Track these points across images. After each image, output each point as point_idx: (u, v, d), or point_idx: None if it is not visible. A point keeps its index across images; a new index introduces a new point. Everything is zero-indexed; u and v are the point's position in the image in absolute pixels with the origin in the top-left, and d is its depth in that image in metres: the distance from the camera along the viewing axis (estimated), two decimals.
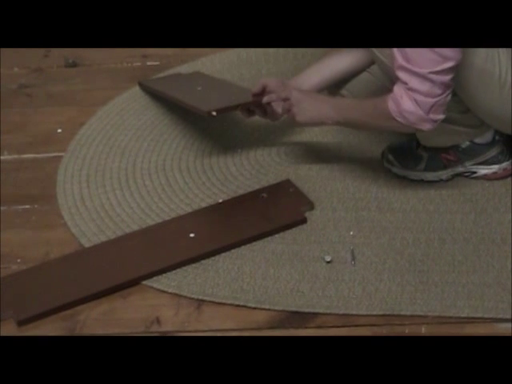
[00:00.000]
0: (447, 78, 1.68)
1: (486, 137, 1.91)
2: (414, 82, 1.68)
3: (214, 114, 1.93)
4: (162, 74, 2.37)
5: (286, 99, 1.90)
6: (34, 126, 2.24)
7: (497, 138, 1.92)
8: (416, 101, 1.69)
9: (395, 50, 1.68)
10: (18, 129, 2.23)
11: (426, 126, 1.73)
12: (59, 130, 2.21)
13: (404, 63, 1.67)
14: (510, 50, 1.75)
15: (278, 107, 1.95)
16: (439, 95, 1.69)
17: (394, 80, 1.73)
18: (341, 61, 1.98)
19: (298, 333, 1.65)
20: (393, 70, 1.73)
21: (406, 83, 1.69)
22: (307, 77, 1.98)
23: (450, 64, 1.66)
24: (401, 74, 1.69)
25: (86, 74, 2.42)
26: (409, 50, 1.66)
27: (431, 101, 1.69)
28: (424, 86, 1.67)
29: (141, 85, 2.31)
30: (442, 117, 1.73)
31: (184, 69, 2.38)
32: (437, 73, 1.66)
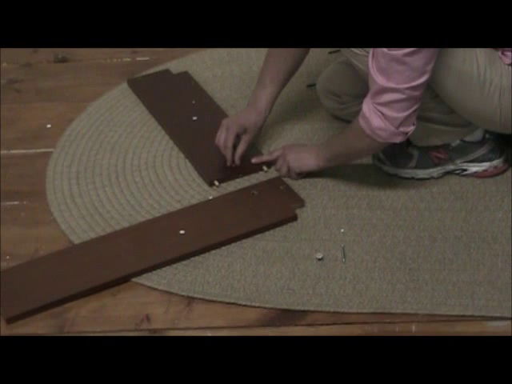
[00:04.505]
0: (419, 92, 1.70)
1: (476, 135, 1.91)
2: (387, 97, 1.69)
3: (217, 184, 1.96)
4: (151, 70, 2.36)
5: (277, 158, 1.97)
6: (24, 121, 2.23)
7: (487, 136, 1.92)
8: (385, 116, 1.71)
9: (371, 62, 1.69)
10: (7, 124, 2.21)
11: (398, 139, 1.75)
12: (48, 126, 2.20)
13: (381, 77, 1.68)
14: (487, 49, 1.76)
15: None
16: (409, 109, 1.71)
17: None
18: (286, 61, 1.96)
19: (289, 331, 1.65)
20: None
21: (378, 97, 1.70)
22: (263, 91, 1.98)
23: (424, 78, 1.68)
24: (375, 87, 1.70)
25: (75, 70, 2.41)
26: (384, 65, 1.66)
27: (401, 115, 1.71)
28: (396, 102, 1.69)
29: (130, 83, 2.30)
30: (412, 128, 1.75)
31: (174, 65, 2.37)
32: (412, 88, 1.68)
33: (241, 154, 1.98)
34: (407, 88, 1.67)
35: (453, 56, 1.73)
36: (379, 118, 1.71)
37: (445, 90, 1.77)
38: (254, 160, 1.99)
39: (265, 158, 2.00)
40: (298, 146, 2.00)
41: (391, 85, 1.67)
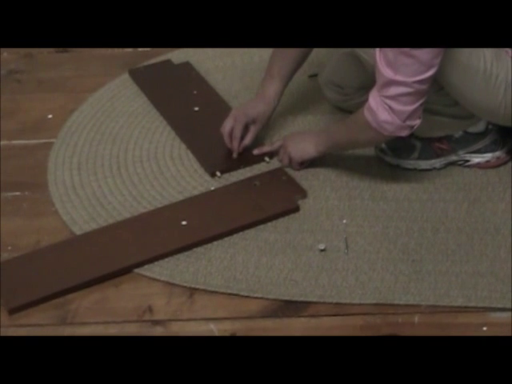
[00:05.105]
0: (427, 86, 1.69)
1: (479, 126, 1.91)
2: (394, 91, 1.68)
3: (219, 174, 1.95)
4: (153, 61, 2.35)
5: (278, 149, 1.97)
6: (25, 112, 2.22)
7: (490, 127, 1.92)
8: (392, 110, 1.70)
9: (378, 55, 1.68)
10: (8, 115, 2.21)
11: (405, 133, 1.75)
12: (50, 117, 2.19)
13: (388, 70, 1.67)
14: None
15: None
16: (415, 103, 1.70)
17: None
18: (294, 52, 1.96)
19: (291, 322, 1.65)
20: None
21: (385, 90, 1.69)
22: (272, 81, 1.97)
23: (432, 72, 1.67)
24: (382, 80, 1.69)
25: (76, 60, 2.40)
26: (392, 57, 1.66)
27: (408, 109, 1.70)
28: (404, 95, 1.68)
29: (131, 74, 2.30)
30: (418, 122, 1.74)
31: (175, 55, 2.36)
32: (419, 82, 1.67)
33: (248, 144, 1.98)
34: (415, 82, 1.66)
35: (460, 50, 1.72)
36: (386, 112, 1.71)
37: (450, 82, 1.77)
38: (255, 151, 1.99)
39: (266, 148, 2.00)
40: (298, 135, 1.98)
41: (399, 78, 1.66)
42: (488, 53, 1.74)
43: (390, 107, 1.70)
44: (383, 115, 1.71)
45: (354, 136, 1.84)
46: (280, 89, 1.98)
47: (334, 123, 2.03)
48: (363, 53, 1.79)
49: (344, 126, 1.89)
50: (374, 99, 1.72)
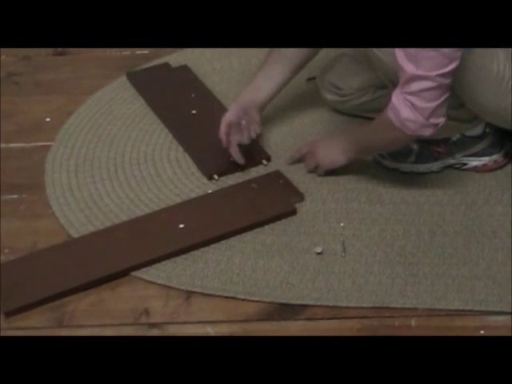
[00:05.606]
0: (449, 80, 1.67)
1: (477, 129, 1.91)
2: (417, 86, 1.65)
3: (216, 177, 1.95)
4: (151, 63, 2.35)
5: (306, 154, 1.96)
6: (22, 114, 2.22)
7: (487, 130, 1.92)
8: (415, 106, 1.67)
9: (398, 51, 1.65)
10: (6, 117, 2.21)
11: (428, 132, 1.71)
12: (47, 119, 2.19)
13: (410, 65, 1.64)
14: None
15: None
16: (439, 98, 1.67)
17: (394, 80, 1.72)
18: (290, 58, 1.95)
19: (288, 325, 1.65)
20: (394, 71, 1.70)
21: (407, 86, 1.67)
22: (260, 87, 1.96)
23: (454, 65, 1.65)
24: (404, 77, 1.67)
25: (74, 63, 2.40)
26: (414, 52, 1.63)
27: (432, 105, 1.67)
28: (426, 90, 1.65)
29: (129, 77, 2.30)
30: (442, 120, 1.71)
31: (173, 58, 2.36)
32: (442, 75, 1.64)
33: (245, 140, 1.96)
34: (438, 75, 1.63)
35: (474, 50, 1.71)
36: (409, 109, 1.67)
37: (462, 83, 1.74)
38: (288, 162, 1.97)
39: (296, 156, 1.98)
40: (326, 142, 1.94)
41: (420, 72, 1.63)
42: (502, 55, 1.73)
43: (412, 104, 1.67)
44: (405, 113, 1.68)
45: (380, 138, 1.81)
46: (256, 90, 1.95)
47: (358, 126, 2.00)
48: (380, 52, 1.75)
49: (369, 128, 1.86)
50: (396, 97, 1.69)
